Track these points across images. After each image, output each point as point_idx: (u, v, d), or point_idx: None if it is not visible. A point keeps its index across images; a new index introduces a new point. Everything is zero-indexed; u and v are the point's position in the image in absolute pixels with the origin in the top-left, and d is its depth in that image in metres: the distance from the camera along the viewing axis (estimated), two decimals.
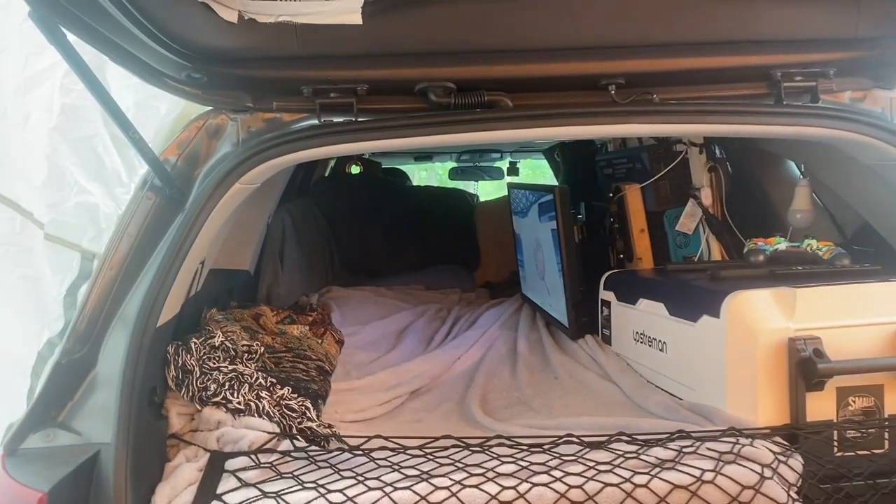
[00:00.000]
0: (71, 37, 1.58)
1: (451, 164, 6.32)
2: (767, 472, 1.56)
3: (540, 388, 2.55)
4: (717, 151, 3.00)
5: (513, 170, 6.27)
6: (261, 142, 1.93)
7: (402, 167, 6.16)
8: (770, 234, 2.48)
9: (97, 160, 2.01)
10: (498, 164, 6.33)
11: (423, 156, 5.94)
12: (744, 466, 1.57)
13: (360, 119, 1.97)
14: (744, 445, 1.62)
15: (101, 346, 1.77)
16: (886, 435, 1.79)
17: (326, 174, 5.00)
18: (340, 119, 1.97)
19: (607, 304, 2.64)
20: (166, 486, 1.63)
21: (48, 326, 1.92)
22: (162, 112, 2.05)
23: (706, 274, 2.18)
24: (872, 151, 2.04)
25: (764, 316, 1.80)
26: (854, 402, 1.79)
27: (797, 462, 1.64)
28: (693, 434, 1.71)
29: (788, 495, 1.55)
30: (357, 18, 1.79)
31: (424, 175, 10.48)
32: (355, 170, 4.90)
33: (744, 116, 2.01)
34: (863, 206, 2.49)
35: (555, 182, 5.45)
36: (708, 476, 1.54)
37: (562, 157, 5.09)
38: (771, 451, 1.63)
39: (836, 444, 1.77)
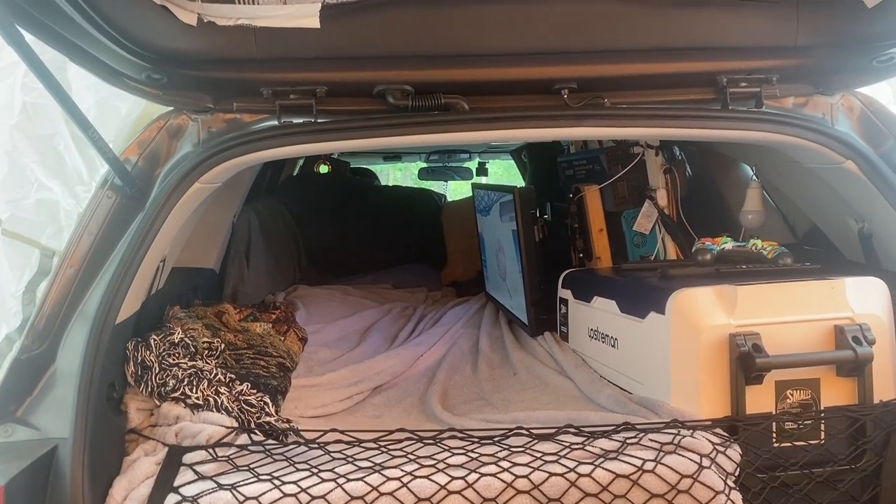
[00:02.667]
0: (29, 36, 1.60)
1: (421, 165, 6.37)
2: (706, 462, 1.63)
3: (499, 383, 2.61)
4: (678, 153, 3.08)
5: (482, 170, 6.32)
6: (221, 142, 1.96)
7: (373, 167, 6.20)
8: (725, 234, 2.56)
9: (58, 158, 2.02)
10: (467, 164, 6.38)
11: (392, 156, 5.98)
12: (683, 456, 1.64)
13: (319, 120, 2.01)
14: (684, 436, 1.69)
15: (60, 343, 1.80)
16: (822, 426, 1.87)
17: (295, 173, 5.01)
18: (300, 120, 2.01)
19: (565, 301, 2.71)
20: (123, 480, 1.66)
21: (6, 322, 1.92)
22: (123, 112, 2.07)
23: (657, 272, 2.26)
24: (814, 155, 2.12)
25: (706, 312, 1.87)
26: (792, 395, 1.87)
27: (735, 452, 1.71)
28: (637, 426, 1.77)
29: (725, 483, 1.62)
30: (315, 22, 1.83)
31: (399, 175, 10.53)
32: (324, 169, 4.90)
33: (691, 120, 2.08)
34: (808, 208, 2.59)
35: (523, 183, 5.52)
36: (648, 465, 1.61)
37: (528, 158, 5.18)
38: (710, 441, 1.70)
39: (774, 435, 1.85)
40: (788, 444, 1.83)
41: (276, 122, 2.00)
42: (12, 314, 1.96)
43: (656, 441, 1.69)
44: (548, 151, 4.45)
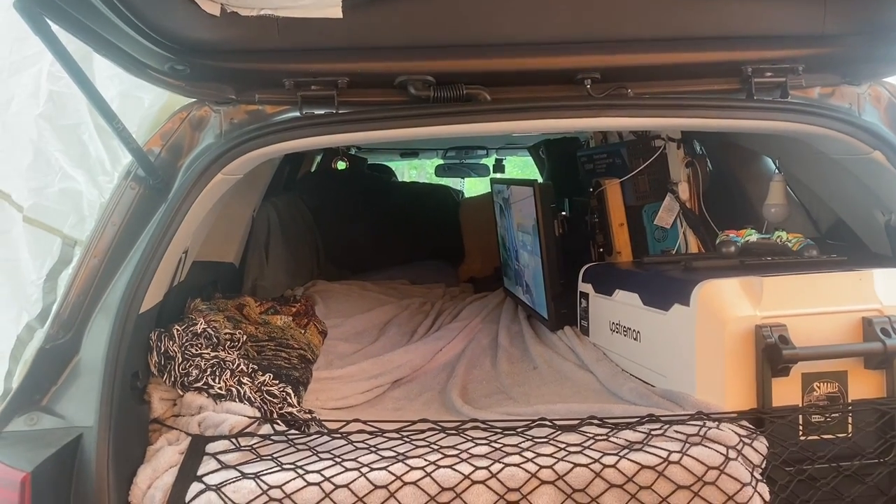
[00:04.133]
0: (56, 27, 1.61)
1: (438, 162, 6.35)
2: (732, 454, 1.61)
3: (519, 377, 2.60)
4: (698, 147, 3.06)
5: (499, 167, 6.30)
6: (243, 133, 1.96)
7: (390, 164, 6.19)
8: (749, 226, 2.53)
9: (82, 148, 2.03)
10: (484, 161, 6.36)
11: (409, 152, 5.98)
12: (709, 448, 1.62)
13: (340, 111, 2.00)
14: (710, 428, 1.67)
15: (84, 333, 1.81)
16: (850, 420, 1.84)
17: (313, 169, 5.02)
18: (322, 111, 2.01)
19: (585, 295, 2.69)
20: (147, 469, 1.66)
21: (27, 310, 1.94)
22: (146, 103, 2.07)
23: (679, 265, 2.24)
24: (840, 146, 2.10)
25: (732, 304, 1.85)
26: (819, 387, 1.85)
27: (762, 445, 1.69)
28: (662, 418, 1.76)
29: (752, 476, 1.61)
30: (337, 12, 1.82)
31: (415, 174, 10.53)
32: (341, 165, 4.92)
33: (716, 111, 2.06)
34: (833, 200, 2.56)
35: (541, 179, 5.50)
36: (674, 457, 1.59)
37: (546, 154, 5.15)
38: (736, 433, 1.68)
39: (801, 428, 1.83)
40: (815, 438, 1.81)
41: (297, 114, 2.00)
42: (32, 302, 1.97)
43: (682, 433, 1.68)
44: (566, 147, 4.43)
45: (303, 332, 2.63)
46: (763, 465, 1.68)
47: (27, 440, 1.62)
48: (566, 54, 2.02)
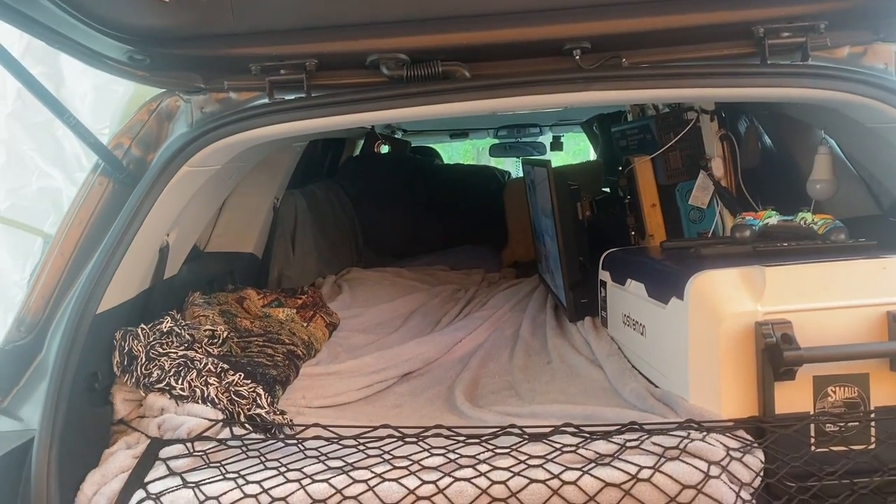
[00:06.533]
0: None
1: (492, 141, 6.17)
2: (714, 470, 1.42)
3: (531, 372, 2.45)
4: (751, 119, 2.78)
5: (556, 144, 6.06)
6: (206, 123, 1.88)
7: (440, 146, 6.06)
8: (798, 206, 2.27)
9: (56, 145, 2.01)
10: (541, 139, 6.13)
11: (459, 133, 5.82)
12: (687, 463, 1.43)
13: (312, 95, 1.89)
14: (693, 440, 1.48)
15: (48, 332, 1.78)
16: (873, 429, 1.60)
17: (355, 154, 4.96)
18: (293, 96, 1.91)
19: (604, 284, 2.50)
20: (97, 474, 1.61)
21: (11, 310, 1.93)
22: (119, 95, 2.03)
23: (690, 252, 2.02)
24: (872, 113, 1.83)
25: (728, 298, 1.64)
26: (834, 392, 1.61)
27: (755, 459, 1.48)
28: (645, 426, 1.57)
29: (738, 496, 1.41)
30: None
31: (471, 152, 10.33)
32: (384, 149, 4.84)
33: (721, 78, 1.84)
34: (880, 172, 2.25)
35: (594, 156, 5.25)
36: (645, 473, 1.41)
37: (599, 129, 4.90)
38: (725, 446, 1.48)
39: (812, 438, 1.60)
40: (826, 449, 1.57)
41: (267, 100, 1.91)
42: (16, 303, 1.97)
43: (660, 445, 1.49)
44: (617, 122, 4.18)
45: (305, 325, 2.55)
46: (755, 483, 1.47)
47: None
48: (552, 23, 1.84)
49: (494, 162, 6.64)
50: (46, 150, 2.00)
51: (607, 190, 4.20)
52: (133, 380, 1.80)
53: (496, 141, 6.14)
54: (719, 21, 1.81)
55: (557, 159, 5.85)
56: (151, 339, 1.86)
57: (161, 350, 1.85)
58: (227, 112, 1.94)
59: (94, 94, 1.99)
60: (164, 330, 1.89)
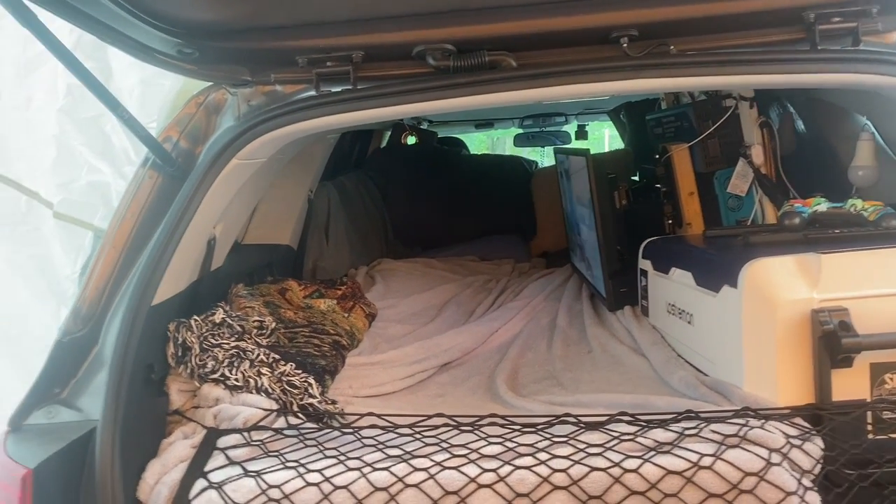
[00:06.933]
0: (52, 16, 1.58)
1: (517, 131, 6.15)
2: (775, 458, 1.41)
3: (572, 361, 2.45)
4: (779, 107, 2.76)
5: (581, 133, 6.03)
6: (255, 116, 1.89)
7: (466, 136, 6.05)
8: (835, 193, 2.25)
9: (105, 139, 2.03)
10: (566, 128, 6.10)
11: (484, 123, 5.80)
12: (748, 451, 1.43)
13: (358, 87, 1.90)
14: (752, 428, 1.48)
15: (103, 325, 1.80)
16: None
17: (382, 146, 4.97)
18: (339, 88, 1.91)
19: (645, 273, 2.50)
20: (157, 464, 1.64)
21: (64, 304, 1.96)
22: (166, 89, 2.04)
23: (737, 240, 2.01)
24: None
25: (784, 285, 1.63)
26: (892, 379, 1.60)
27: (815, 447, 1.48)
28: (701, 414, 1.57)
29: (799, 483, 1.41)
30: None
31: (509, 141, 10.30)
32: (411, 140, 4.84)
33: (771, 65, 1.81)
34: None
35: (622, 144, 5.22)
36: (706, 461, 1.41)
37: (627, 118, 4.87)
38: (785, 433, 1.48)
39: (870, 426, 1.60)
40: (885, 437, 1.57)
41: (314, 92, 1.91)
42: (69, 296, 2.00)
43: (719, 433, 1.49)
44: (647, 110, 4.15)
45: (346, 315, 2.57)
46: (816, 470, 1.47)
47: (42, 434, 1.63)
48: (599, 10, 1.82)
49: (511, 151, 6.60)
50: (95, 144, 2.02)
51: (635, 178, 4.17)
52: (188, 371, 1.82)
53: (520, 130, 6.12)
54: (769, 7, 1.79)
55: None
56: (204, 330, 1.88)
57: (214, 341, 1.87)
58: (273, 105, 1.95)
59: (140, 88, 2.00)
60: (217, 321, 1.91)
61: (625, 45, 1.83)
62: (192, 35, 1.80)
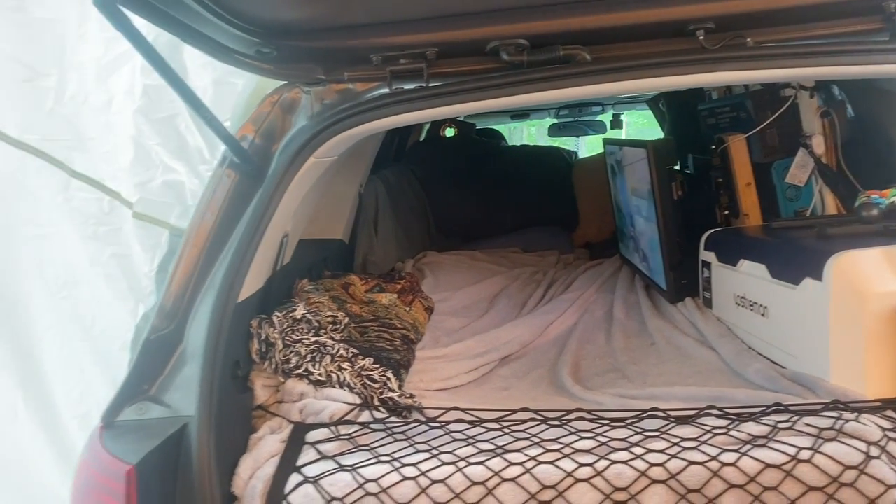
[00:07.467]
0: (138, 18, 1.60)
1: (551, 121, 6.13)
2: (874, 451, 1.42)
3: (635, 354, 2.45)
4: (837, 93, 2.74)
5: (616, 123, 6.01)
6: (332, 114, 1.91)
7: (501, 126, 6.04)
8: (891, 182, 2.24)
9: (180, 139, 2.06)
10: (600, 117, 6.08)
11: (520, 114, 5.79)
12: (846, 444, 1.43)
13: (431, 84, 1.91)
14: (847, 421, 1.48)
15: (188, 322, 1.83)
16: None
17: (421, 139, 4.97)
18: (412, 86, 1.93)
19: (708, 265, 2.49)
20: (249, 459, 1.66)
21: (143, 301, 2.00)
22: (239, 88, 2.07)
23: (813, 231, 2.00)
24: None
25: (872, 277, 1.63)
26: None
27: None
28: (791, 408, 1.58)
29: None
30: None
31: (534, 131, 10.30)
32: (449, 132, 4.85)
33: (851, 56, 1.80)
34: None
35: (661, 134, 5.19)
36: (804, 455, 1.42)
37: (667, 107, 4.84)
38: (880, 426, 1.48)
39: None
40: None
41: (387, 90, 1.93)
42: (147, 294, 2.04)
43: (813, 426, 1.49)
44: (689, 99, 4.13)
45: (408, 309, 2.59)
46: None
47: (136, 430, 1.65)
48: (675, 4, 1.82)
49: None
50: (170, 144, 2.05)
51: (676, 168, 4.14)
52: (272, 366, 1.85)
53: (554, 120, 6.10)
54: None
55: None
56: (285, 326, 1.90)
57: (294, 337, 1.89)
58: (345, 103, 1.97)
59: (213, 88, 2.03)
60: (298, 317, 1.93)
61: (701, 37, 1.83)
62: (271, 35, 1.82)
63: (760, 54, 1.83)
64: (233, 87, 2.07)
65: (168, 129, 2.05)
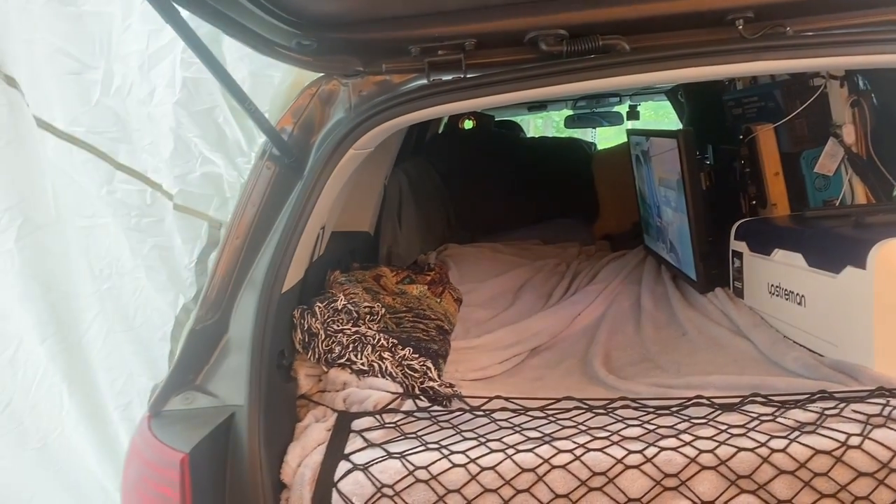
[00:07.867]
0: (185, 12, 1.61)
1: (567, 112, 6.13)
2: None
3: (666, 344, 2.46)
4: (861, 83, 2.73)
5: (633, 114, 6.00)
6: (371, 106, 1.91)
7: (515, 118, 6.04)
8: None
9: (218, 131, 2.07)
10: (617, 108, 6.07)
11: (538, 105, 5.79)
12: (895, 430, 1.44)
13: (468, 75, 1.92)
14: (894, 407, 1.49)
15: (231, 313, 1.85)
16: None
17: (440, 131, 4.98)
18: (449, 77, 1.93)
19: (739, 255, 2.50)
20: (297, 447, 1.68)
21: (182, 293, 2.01)
22: (276, 81, 2.08)
23: (849, 220, 2.01)
24: None
25: None
26: None
27: None
28: (836, 395, 1.59)
29: None
30: None
31: (540, 123, 10.28)
32: (468, 125, 4.85)
33: (892, 45, 1.80)
34: None
35: (679, 125, 5.18)
36: (854, 441, 1.43)
37: (686, 98, 4.83)
38: None
39: None
40: None
41: (425, 81, 1.93)
42: (188, 285, 2.06)
43: (860, 412, 1.50)
44: (708, 89, 4.12)
45: (438, 300, 2.61)
46: None
47: (184, 419, 1.68)
48: None
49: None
50: (209, 136, 2.06)
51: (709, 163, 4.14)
52: (315, 356, 1.87)
53: (570, 112, 6.10)
54: None
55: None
56: (326, 316, 1.92)
57: (336, 327, 1.91)
58: (383, 94, 1.97)
59: (251, 80, 2.04)
60: (339, 307, 1.95)
61: (740, 27, 1.83)
62: (312, 27, 1.83)
63: (800, 43, 1.83)
64: (270, 80, 2.07)
65: (207, 122, 2.06)
